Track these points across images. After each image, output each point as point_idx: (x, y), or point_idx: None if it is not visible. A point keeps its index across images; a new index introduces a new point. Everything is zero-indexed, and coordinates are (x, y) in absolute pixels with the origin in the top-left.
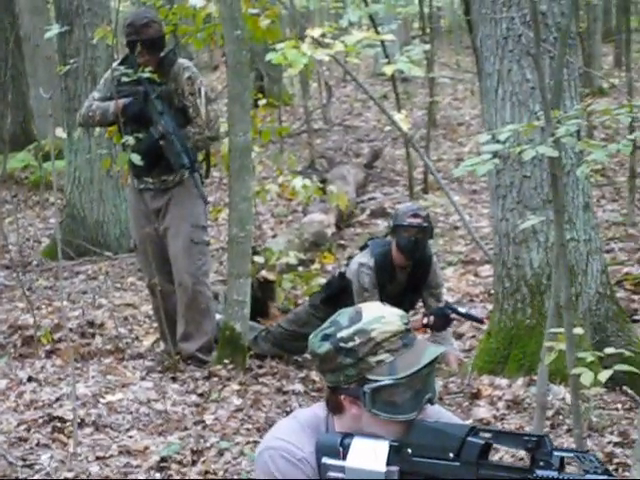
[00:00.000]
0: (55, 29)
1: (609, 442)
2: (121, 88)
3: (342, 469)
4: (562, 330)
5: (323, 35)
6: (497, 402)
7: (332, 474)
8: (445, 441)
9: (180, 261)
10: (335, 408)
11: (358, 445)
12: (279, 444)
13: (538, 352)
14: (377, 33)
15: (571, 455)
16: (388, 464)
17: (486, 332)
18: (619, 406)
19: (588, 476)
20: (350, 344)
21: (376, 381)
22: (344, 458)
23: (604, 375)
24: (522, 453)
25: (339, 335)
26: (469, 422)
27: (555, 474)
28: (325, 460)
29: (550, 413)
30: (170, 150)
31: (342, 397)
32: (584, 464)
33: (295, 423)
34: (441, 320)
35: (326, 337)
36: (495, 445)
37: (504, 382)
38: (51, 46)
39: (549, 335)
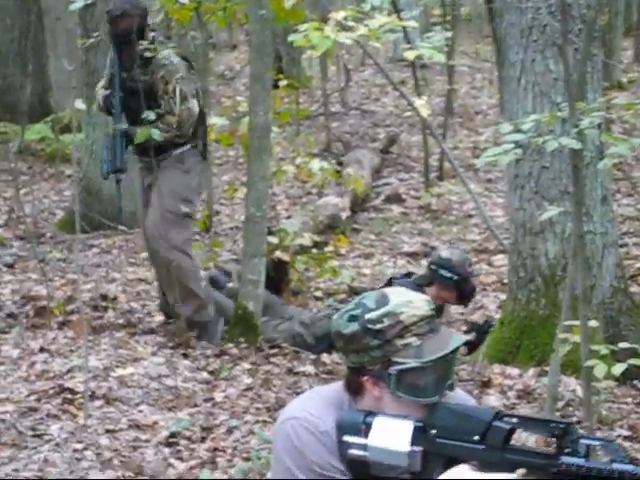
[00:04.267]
0: (79, 2)
1: (618, 435)
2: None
3: (364, 447)
4: (576, 322)
5: (346, 18)
6: (508, 391)
7: (354, 452)
8: (471, 424)
9: (151, 229)
10: (356, 389)
11: (381, 424)
12: (302, 415)
13: (550, 343)
14: (399, 19)
15: (597, 443)
16: (412, 444)
17: (499, 321)
18: (629, 400)
19: (615, 465)
20: (378, 326)
21: (402, 363)
22: (366, 436)
23: (618, 368)
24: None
25: (367, 317)
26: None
27: (582, 461)
28: (347, 438)
29: (560, 404)
30: None
31: (365, 378)
32: (610, 453)
33: (318, 397)
34: (483, 337)
35: (353, 318)
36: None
37: (515, 372)
38: (72, 19)
39: (563, 326)
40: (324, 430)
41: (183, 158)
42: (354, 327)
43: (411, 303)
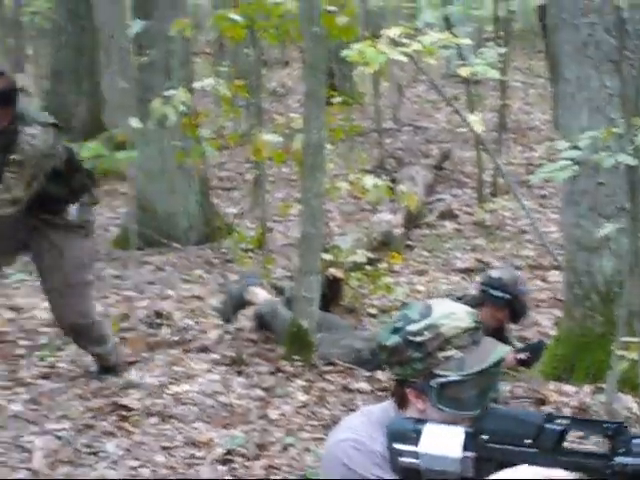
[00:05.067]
0: (138, 24)
1: None
2: None
3: (415, 455)
4: (633, 339)
5: (399, 35)
6: (563, 408)
7: (405, 459)
8: (522, 428)
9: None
10: (400, 401)
11: (431, 431)
12: (350, 436)
13: (606, 360)
14: (453, 35)
15: None
16: (464, 450)
17: (554, 338)
18: None
19: None
20: (419, 338)
21: (444, 376)
22: (416, 444)
23: None
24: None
25: (409, 329)
26: None
27: (636, 461)
28: (396, 445)
29: None
30: None
31: (408, 390)
32: None
33: (364, 418)
34: (537, 356)
35: (396, 330)
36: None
37: (571, 389)
38: (126, 36)
39: (620, 343)
40: (374, 449)
41: (80, 217)
42: (396, 339)
43: (453, 315)
